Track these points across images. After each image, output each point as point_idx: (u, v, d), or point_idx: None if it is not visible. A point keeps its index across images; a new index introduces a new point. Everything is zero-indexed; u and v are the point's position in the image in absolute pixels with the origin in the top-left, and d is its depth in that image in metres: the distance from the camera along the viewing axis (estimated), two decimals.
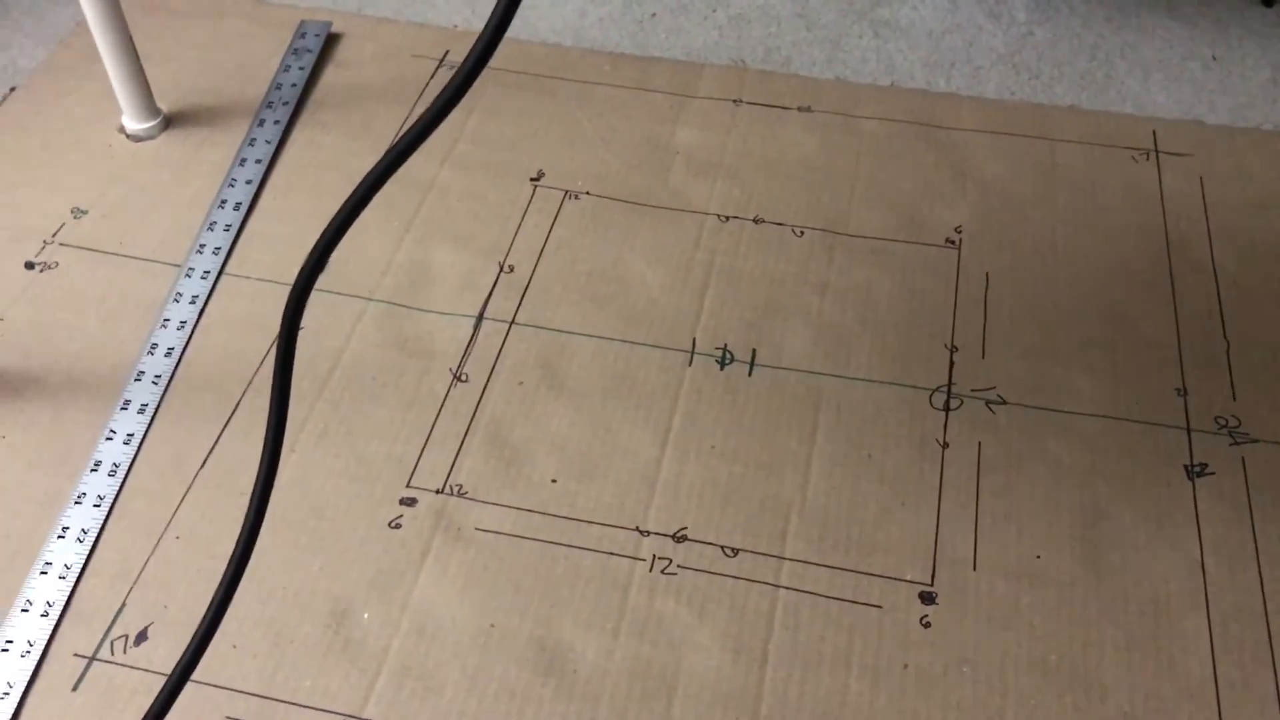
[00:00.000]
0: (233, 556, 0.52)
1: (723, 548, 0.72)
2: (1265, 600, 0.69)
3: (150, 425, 0.77)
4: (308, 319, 0.83)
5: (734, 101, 1.02)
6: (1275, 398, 0.79)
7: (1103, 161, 0.95)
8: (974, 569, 0.70)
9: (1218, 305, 0.84)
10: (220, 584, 0.51)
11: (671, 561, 0.71)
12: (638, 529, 0.72)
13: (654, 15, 1.13)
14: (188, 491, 0.74)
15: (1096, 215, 0.91)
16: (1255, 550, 0.71)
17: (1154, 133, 0.98)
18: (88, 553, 0.70)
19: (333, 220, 0.49)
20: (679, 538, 0.72)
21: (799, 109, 1.01)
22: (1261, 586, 0.69)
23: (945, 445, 0.76)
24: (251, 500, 0.52)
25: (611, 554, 0.71)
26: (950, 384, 0.80)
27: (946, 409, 0.78)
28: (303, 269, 0.50)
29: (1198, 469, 0.75)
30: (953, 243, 0.89)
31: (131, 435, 0.76)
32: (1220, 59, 1.09)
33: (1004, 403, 0.79)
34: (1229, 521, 0.72)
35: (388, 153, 0.48)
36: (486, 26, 0.44)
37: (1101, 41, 1.11)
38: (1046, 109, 1.01)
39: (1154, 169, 0.95)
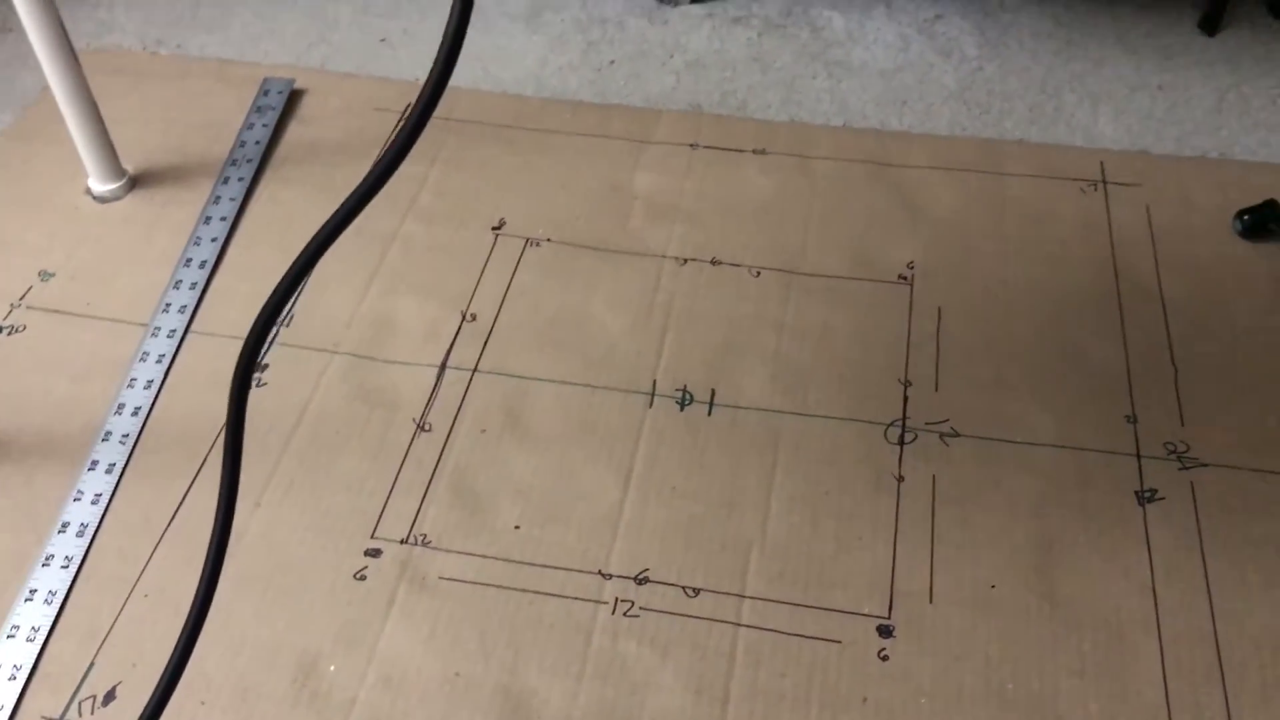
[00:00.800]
0: (189, 616, 0.53)
1: (684, 588, 0.73)
2: (1214, 622, 0.70)
3: (118, 485, 0.78)
4: (273, 374, 0.85)
5: (691, 146, 1.04)
6: (1223, 422, 0.80)
7: (1052, 194, 0.97)
8: (930, 601, 0.72)
9: (1165, 333, 0.86)
10: (177, 643, 0.52)
11: (634, 604, 0.72)
12: (600, 572, 0.73)
13: (613, 63, 1.16)
14: (155, 549, 0.75)
15: (1046, 247, 0.93)
16: (1205, 573, 0.72)
17: (1102, 164, 1.00)
18: (55, 614, 0.71)
19: (276, 288, 0.50)
20: (641, 579, 0.73)
21: (754, 151, 1.03)
22: (1211, 609, 0.71)
23: (901, 479, 0.78)
24: (206, 560, 0.54)
25: (575, 598, 0.72)
26: (904, 418, 0.81)
27: (901, 443, 0.80)
28: (250, 333, 0.52)
29: (1148, 494, 0.77)
30: (905, 279, 0.91)
31: (99, 495, 0.77)
32: (1166, 89, 1.12)
33: (957, 435, 0.80)
34: (1179, 546, 0.74)
35: (330, 219, 0.49)
36: (424, 89, 0.46)
37: (1050, 75, 1.14)
38: (996, 144, 1.04)
39: (1102, 200, 0.97)
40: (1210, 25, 1.18)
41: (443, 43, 0.45)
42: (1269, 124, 1.07)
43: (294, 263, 0.50)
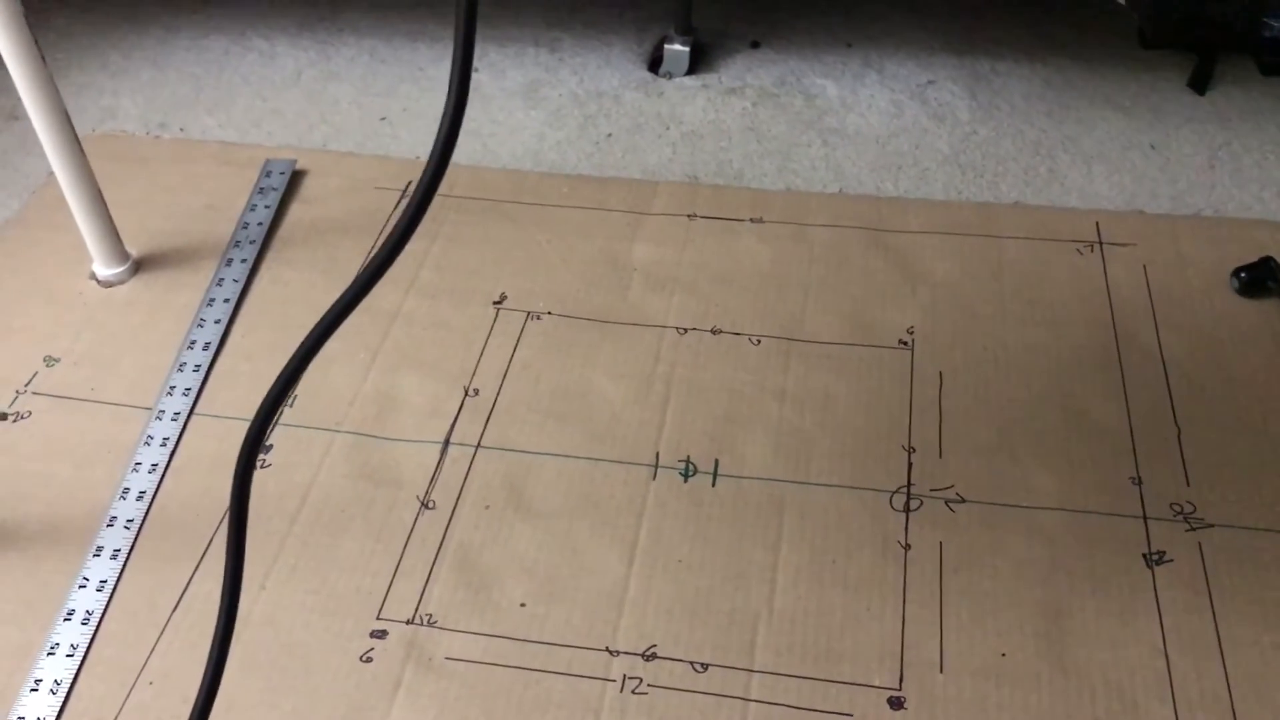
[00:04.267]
0: (195, 704, 0.53)
1: (692, 663, 0.72)
2: (1229, 686, 0.69)
3: (123, 571, 0.78)
4: (277, 455, 0.85)
5: (689, 216, 1.05)
6: (1228, 481, 0.80)
7: (1049, 256, 0.98)
8: (941, 671, 0.71)
9: (1167, 392, 0.86)
10: None
11: (642, 681, 0.71)
12: (607, 649, 0.73)
13: (610, 136, 1.17)
14: (160, 636, 0.74)
15: (1045, 309, 0.93)
16: (1217, 636, 0.72)
17: (1097, 224, 1.01)
18: (61, 704, 0.71)
19: (281, 374, 0.51)
20: (648, 656, 0.73)
21: (751, 220, 1.04)
22: (1225, 672, 0.70)
23: (907, 547, 0.77)
24: (212, 648, 0.53)
25: (582, 676, 0.72)
26: (909, 485, 0.81)
27: (907, 510, 0.80)
28: (254, 420, 0.52)
29: (1156, 557, 0.76)
30: (905, 344, 0.91)
31: (104, 582, 0.77)
32: (1159, 147, 1.13)
33: (963, 501, 0.80)
34: (1190, 609, 0.73)
35: (332, 306, 0.50)
36: (423, 175, 0.47)
37: (1044, 137, 1.15)
38: (992, 207, 1.04)
39: (1099, 260, 0.97)
40: (1200, 84, 1.20)
41: (439, 130, 0.46)
42: (1261, 180, 1.08)
43: (298, 349, 0.51)
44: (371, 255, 0.99)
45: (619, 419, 0.87)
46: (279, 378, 0.50)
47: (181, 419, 0.88)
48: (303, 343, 0.50)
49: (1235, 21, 1.12)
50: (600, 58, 1.28)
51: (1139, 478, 0.81)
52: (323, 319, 0.49)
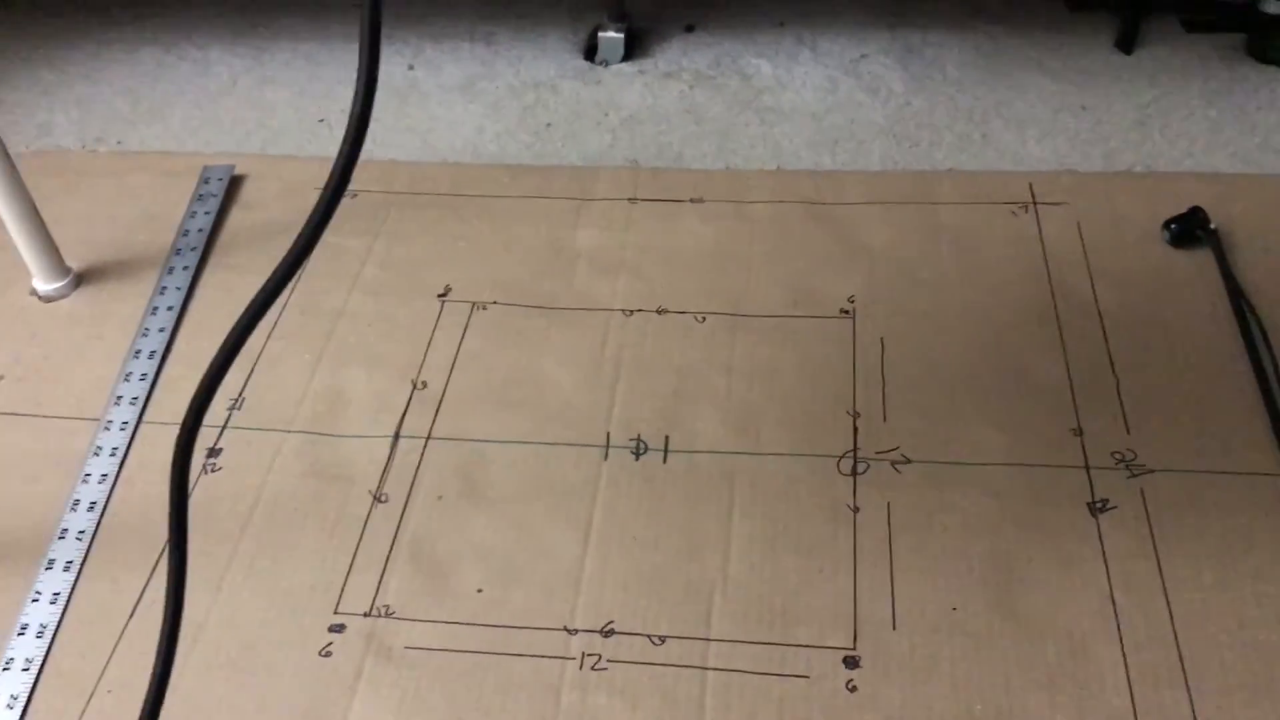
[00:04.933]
0: (144, 705, 0.53)
1: (650, 637, 0.73)
2: (1174, 625, 0.71)
3: (76, 582, 0.78)
4: (227, 458, 0.85)
5: (630, 200, 1.05)
6: (1166, 427, 0.82)
7: (984, 219, 0.99)
8: (894, 628, 0.72)
9: (1104, 344, 0.88)
10: None
11: (601, 657, 0.72)
12: (565, 628, 0.74)
13: (549, 125, 1.18)
14: (117, 645, 0.74)
15: (982, 271, 0.95)
16: (1160, 577, 0.73)
17: (1030, 186, 1.03)
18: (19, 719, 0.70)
19: (202, 380, 0.51)
20: (606, 632, 0.73)
21: (692, 201, 1.04)
22: (1169, 612, 0.71)
23: (856, 509, 0.79)
24: (158, 656, 0.54)
25: (541, 656, 0.72)
26: (856, 449, 0.82)
27: (854, 474, 0.81)
28: (182, 427, 0.52)
29: (1100, 505, 0.78)
30: (847, 312, 0.92)
31: (58, 594, 0.77)
32: (1089, 108, 1.15)
33: (909, 461, 0.81)
34: (1134, 553, 0.75)
35: (245, 311, 0.50)
36: (331, 176, 0.47)
37: (977, 104, 1.16)
38: (927, 175, 1.06)
39: (1034, 220, 0.99)
40: (1127, 43, 1.22)
41: (346, 132, 0.46)
42: (1189, 134, 1.10)
43: (219, 350, 0.51)
44: (311, 262, 0.99)
45: (569, 403, 0.87)
46: (200, 384, 0.50)
47: (130, 428, 0.87)
48: (220, 350, 0.50)
49: None
50: (536, 48, 1.28)
51: (1080, 429, 0.82)
52: (237, 323, 0.49)
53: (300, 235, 0.49)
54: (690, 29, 1.29)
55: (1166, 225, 0.96)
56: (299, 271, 0.98)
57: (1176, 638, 0.70)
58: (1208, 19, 1.23)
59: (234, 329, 0.51)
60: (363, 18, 0.47)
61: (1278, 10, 1.15)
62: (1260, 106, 1.13)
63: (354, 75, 0.46)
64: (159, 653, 0.54)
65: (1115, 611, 0.72)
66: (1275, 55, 1.17)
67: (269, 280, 0.51)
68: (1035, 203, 1.01)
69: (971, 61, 1.22)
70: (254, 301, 0.51)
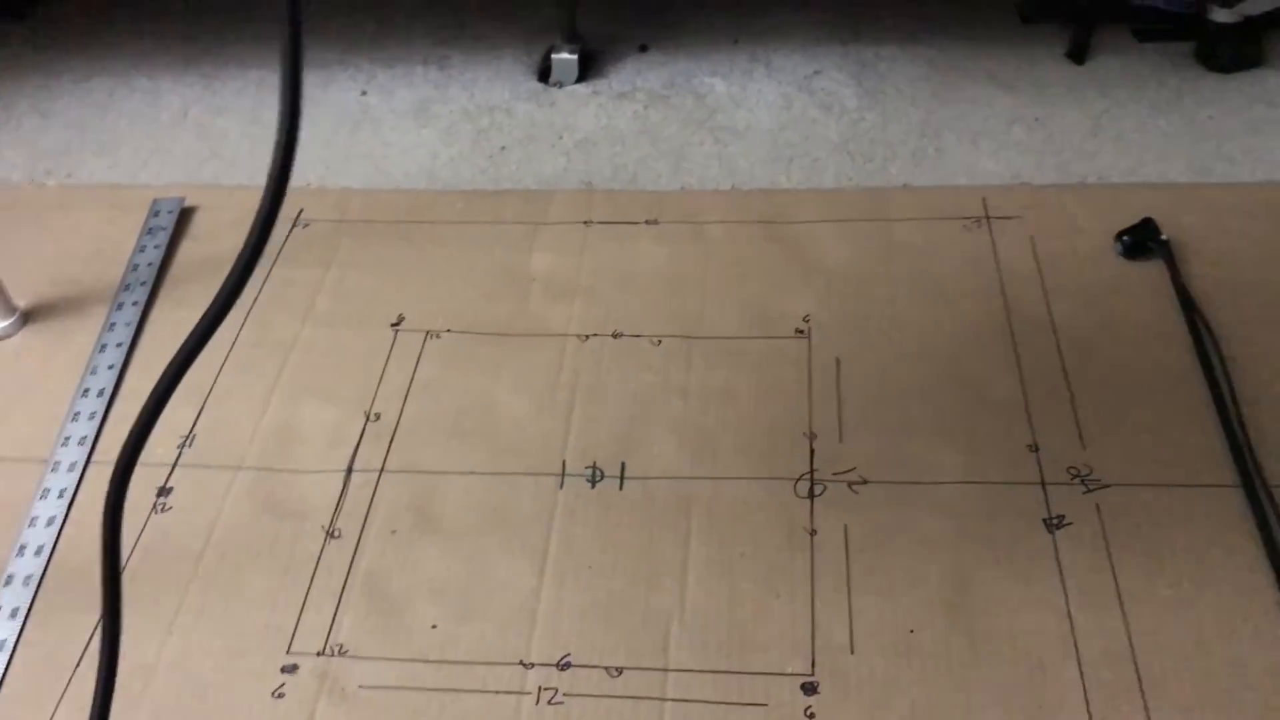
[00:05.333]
0: None
1: (607, 669, 0.72)
2: (1131, 641, 0.70)
3: (22, 629, 0.76)
4: (178, 497, 0.84)
5: (585, 223, 1.05)
6: (1121, 441, 0.82)
7: (938, 234, 0.99)
8: (852, 652, 0.71)
9: (1059, 358, 0.88)
10: None
11: (558, 691, 0.71)
12: (521, 662, 0.73)
13: (503, 149, 1.17)
14: (65, 691, 0.73)
15: (936, 287, 0.94)
16: (1117, 592, 0.73)
17: (984, 200, 1.03)
18: None
19: (137, 419, 0.50)
20: (563, 665, 0.72)
21: (647, 222, 1.04)
22: (1126, 627, 0.71)
23: (814, 532, 0.78)
24: (94, 704, 0.53)
25: (497, 692, 0.71)
26: (812, 471, 0.82)
27: (811, 496, 0.80)
28: (115, 469, 0.51)
29: (1056, 521, 0.77)
30: (802, 332, 0.92)
31: (3, 641, 0.75)
32: (1042, 120, 1.15)
33: (865, 482, 0.81)
34: (1091, 568, 0.75)
35: (181, 347, 0.49)
36: (261, 208, 0.46)
37: (930, 118, 1.17)
38: (881, 191, 1.06)
39: (987, 235, 0.99)
40: (1078, 54, 1.22)
41: (273, 159, 0.46)
42: (1142, 144, 1.10)
43: (151, 394, 0.50)
44: (264, 293, 0.98)
45: (523, 431, 0.87)
46: (136, 422, 0.49)
47: (78, 469, 0.86)
48: (154, 388, 0.49)
49: None
50: (490, 71, 1.28)
51: (1036, 445, 0.82)
52: (171, 362, 0.48)
53: (230, 274, 0.49)
54: (644, 49, 1.29)
55: (1119, 237, 0.96)
56: (244, 302, 0.97)
57: (1134, 653, 0.70)
58: (1158, 28, 1.24)
59: (168, 368, 0.51)
60: (283, 51, 0.47)
61: (1225, 19, 1.16)
62: (1211, 115, 1.13)
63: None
64: (95, 700, 0.53)
65: (1073, 629, 0.71)
66: (1224, 63, 1.18)
67: (202, 319, 0.51)
68: (989, 217, 1.01)
69: (924, 75, 1.22)
70: (188, 340, 0.50)
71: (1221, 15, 1.16)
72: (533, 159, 1.15)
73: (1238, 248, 0.95)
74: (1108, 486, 0.79)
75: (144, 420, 0.50)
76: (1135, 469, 0.80)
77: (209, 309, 0.48)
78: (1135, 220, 0.97)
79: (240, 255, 0.46)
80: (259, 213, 0.46)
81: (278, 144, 0.45)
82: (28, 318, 0.99)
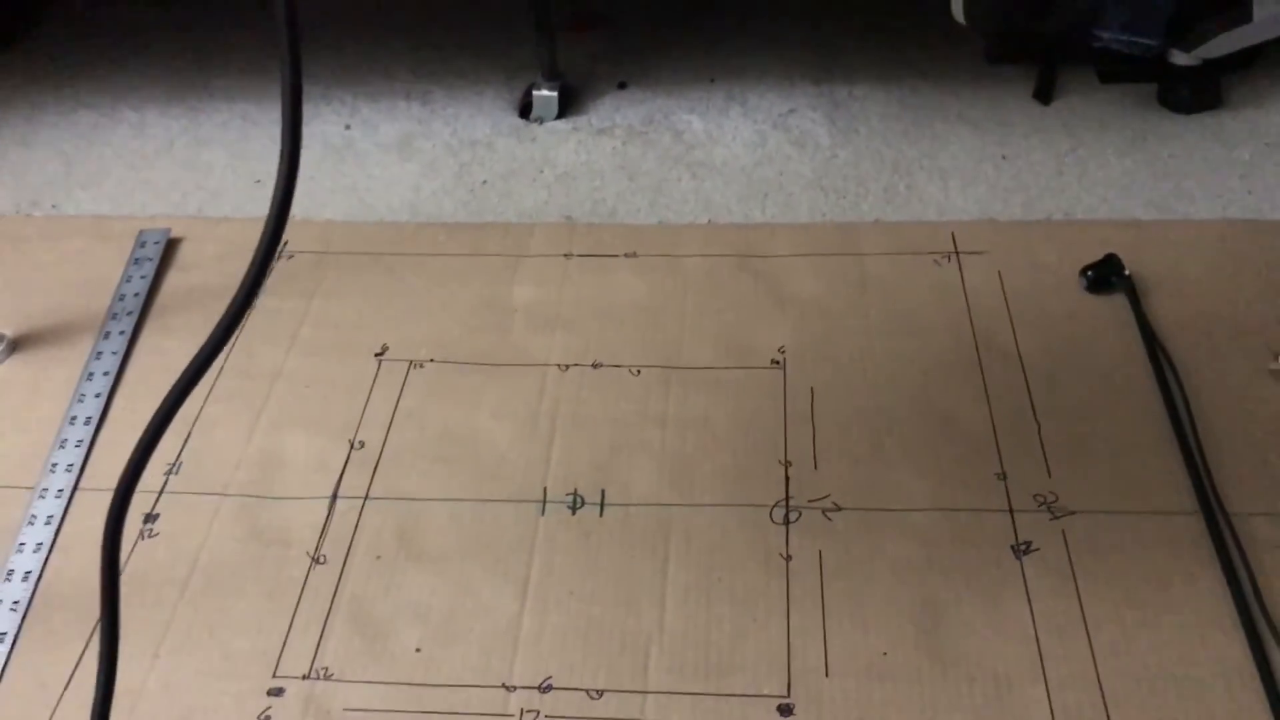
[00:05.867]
0: None
1: (588, 691, 0.74)
2: (1096, 664, 0.73)
3: (9, 655, 0.77)
4: (164, 523, 0.85)
5: (565, 255, 1.07)
6: (1085, 469, 0.84)
7: (909, 268, 1.02)
8: (827, 674, 0.73)
9: (1026, 389, 0.91)
10: None
11: (539, 713, 0.73)
12: (504, 685, 0.74)
13: (485, 182, 1.19)
14: (51, 718, 0.74)
15: (907, 320, 0.97)
16: (1082, 617, 0.75)
17: (953, 235, 1.06)
18: None
19: (137, 445, 0.52)
20: (544, 688, 0.74)
21: (626, 255, 1.06)
22: (1091, 651, 0.73)
23: (789, 558, 0.80)
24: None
25: (480, 715, 0.73)
26: (788, 498, 0.84)
27: (786, 522, 0.82)
28: (114, 496, 0.53)
29: (1023, 547, 0.80)
30: (778, 363, 0.94)
31: None
32: (1010, 158, 1.19)
33: (839, 509, 0.83)
34: (1056, 593, 0.77)
35: (178, 381, 0.51)
36: (267, 221, 0.48)
37: (901, 155, 1.20)
38: (854, 226, 1.09)
39: (956, 269, 1.02)
40: (1044, 95, 1.26)
41: (273, 202, 0.48)
42: (1106, 181, 1.14)
43: (150, 421, 0.52)
44: (251, 323, 1.00)
45: (505, 459, 0.89)
46: (136, 448, 0.51)
47: (65, 495, 0.87)
48: (151, 420, 0.51)
49: (1070, 35, 1.19)
50: (472, 107, 1.30)
51: (1004, 473, 0.85)
52: (168, 395, 0.50)
53: (232, 303, 0.51)
54: (623, 86, 1.32)
55: (1083, 272, 0.99)
56: (235, 334, 0.99)
57: (1099, 676, 0.72)
58: (1121, 70, 1.28)
59: (168, 396, 0.52)
60: (284, 85, 0.49)
61: (1185, 62, 1.20)
62: (1172, 154, 1.17)
63: None
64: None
65: (1040, 651, 0.74)
66: (1183, 105, 1.22)
67: (201, 351, 0.52)
68: (958, 252, 1.04)
69: (895, 114, 1.25)
70: (186, 371, 0.52)
71: (1181, 59, 1.20)
72: (514, 193, 1.18)
73: (1197, 282, 0.99)
74: (1073, 514, 0.82)
75: (143, 447, 0.52)
76: (1099, 496, 0.83)
77: (209, 339, 0.50)
78: (1099, 256, 1.00)
79: (241, 286, 0.48)
80: (259, 246, 0.48)
81: (278, 179, 0.47)
82: (15, 346, 1.00)
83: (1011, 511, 0.82)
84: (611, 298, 1.02)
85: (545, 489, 0.86)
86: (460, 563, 0.81)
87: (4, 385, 0.97)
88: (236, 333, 0.95)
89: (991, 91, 1.28)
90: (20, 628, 0.79)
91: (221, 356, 0.95)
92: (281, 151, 0.47)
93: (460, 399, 0.93)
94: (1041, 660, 0.73)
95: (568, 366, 0.96)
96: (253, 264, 0.47)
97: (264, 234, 0.47)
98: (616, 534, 0.83)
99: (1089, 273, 0.99)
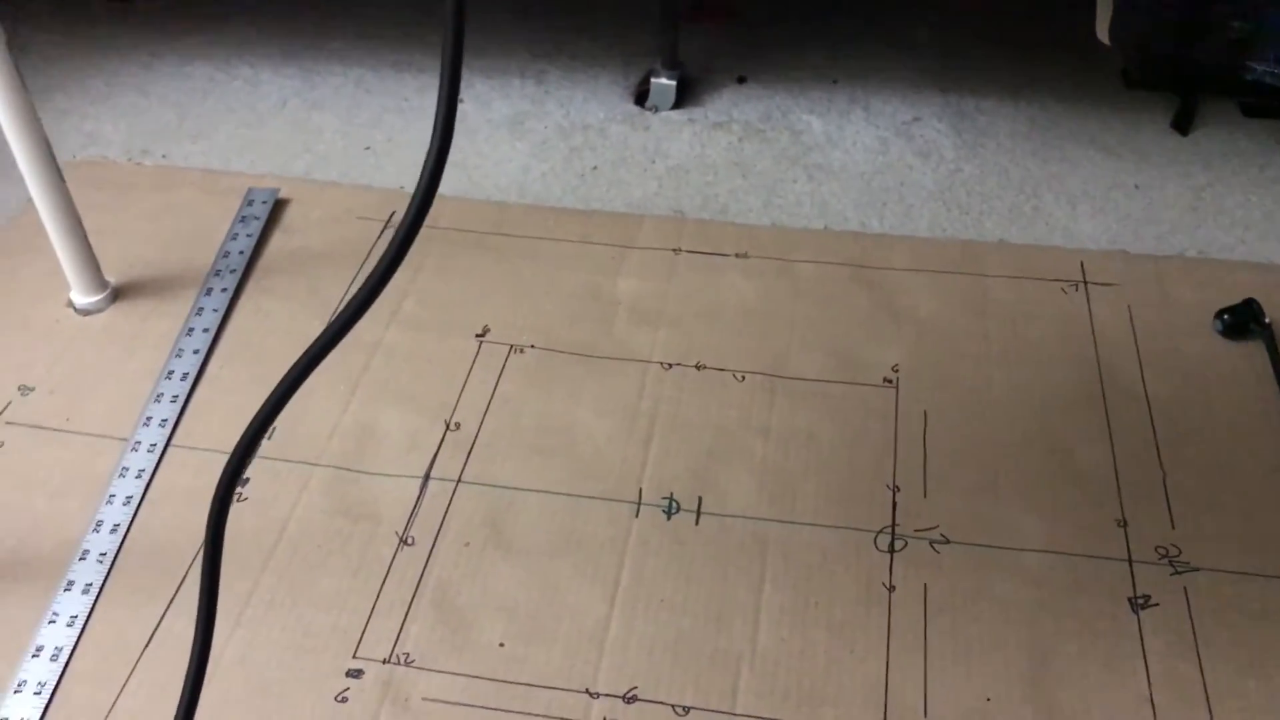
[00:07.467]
0: None
1: (674, 706, 0.71)
2: None
3: (94, 606, 0.76)
4: (254, 488, 0.84)
5: (674, 250, 1.04)
6: (1213, 524, 0.80)
7: (1034, 294, 0.98)
8: (925, 715, 0.70)
9: (1152, 433, 0.86)
10: None
11: None
12: (587, 691, 0.72)
13: (595, 169, 1.17)
14: (131, 674, 0.73)
15: (1029, 348, 0.93)
16: (1203, 684, 0.71)
17: (1082, 264, 1.01)
18: None
19: (259, 411, 0.50)
20: (629, 699, 0.71)
21: (737, 255, 1.03)
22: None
23: (891, 588, 0.77)
24: (182, 698, 0.52)
25: (561, 719, 0.70)
26: (894, 525, 0.80)
27: (891, 550, 0.79)
28: (231, 458, 0.51)
29: (1141, 601, 0.76)
30: (890, 382, 0.90)
31: (75, 617, 0.75)
32: (1143, 187, 1.14)
33: (948, 542, 0.79)
34: (1175, 654, 0.73)
35: (322, 334, 0.49)
36: (414, 197, 0.46)
37: (1028, 175, 1.15)
38: (977, 245, 1.04)
39: (1084, 300, 0.97)
40: (1183, 125, 1.21)
41: (424, 168, 0.45)
42: (1245, 222, 1.08)
43: (277, 386, 0.50)
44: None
45: (602, 455, 0.86)
46: (256, 415, 0.49)
47: (158, 451, 0.86)
48: (281, 380, 0.49)
49: (1218, 64, 1.13)
50: (586, 90, 1.28)
51: (1124, 520, 0.80)
52: (301, 357, 0.48)
53: (369, 278, 0.49)
54: (742, 80, 1.29)
55: (1219, 315, 0.94)
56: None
57: None
58: (1266, 104, 1.22)
59: (290, 372, 0.50)
60: (444, 59, 0.46)
61: None
62: None
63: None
64: (182, 701, 0.53)
65: (1155, 714, 0.70)
66: None
67: (333, 323, 0.51)
68: (1086, 282, 0.99)
69: (1024, 132, 1.20)
70: (317, 341, 0.50)
71: None
72: (623, 182, 1.15)
73: None
74: (1197, 570, 0.77)
75: (261, 418, 0.50)
76: (1226, 555, 0.78)
77: (343, 311, 0.48)
78: (1234, 298, 0.95)
79: (382, 257, 0.46)
80: (405, 216, 0.46)
81: (430, 151, 0.45)
82: (117, 294, 0.99)
83: (1130, 561, 0.78)
84: (719, 298, 0.99)
85: (641, 490, 0.84)
86: (550, 558, 0.79)
87: (104, 333, 0.96)
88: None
89: (1127, 117, 1.22)
90: (106, 580, 0.78)
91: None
92: (434, 130, 0.44)
93: (559, 389, 0.91)
94: None
95: (670, 365, 0.93)
96: (394, 240, 0.45)
97: (410, 206, 0.45)
98: (712, 544, 0.80)
99: (1225, 316, 0.94)
